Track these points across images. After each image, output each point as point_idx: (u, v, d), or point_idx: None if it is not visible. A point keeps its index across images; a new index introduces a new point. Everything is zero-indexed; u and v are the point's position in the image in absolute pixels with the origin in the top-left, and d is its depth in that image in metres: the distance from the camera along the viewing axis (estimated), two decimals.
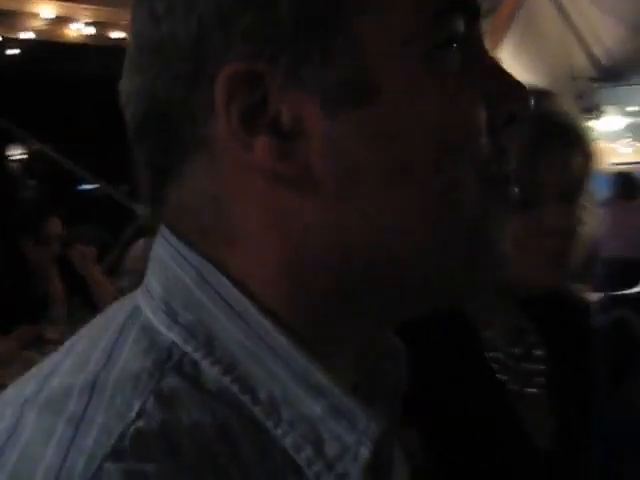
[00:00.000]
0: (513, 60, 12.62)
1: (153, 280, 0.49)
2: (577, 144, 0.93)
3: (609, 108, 10.21)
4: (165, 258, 0.49)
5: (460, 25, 0.46)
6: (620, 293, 3.31)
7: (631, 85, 9.15)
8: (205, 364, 0.45)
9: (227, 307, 0.46)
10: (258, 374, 0.45)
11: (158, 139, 0.48)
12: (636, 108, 10.41)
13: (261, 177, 0.45)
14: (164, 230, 0.50)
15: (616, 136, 14.43)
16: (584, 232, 0.98)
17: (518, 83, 0.49)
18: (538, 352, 0.98)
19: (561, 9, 9.18)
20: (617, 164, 15.36)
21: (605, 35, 8.53)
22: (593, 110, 9.81)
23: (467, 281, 0.49)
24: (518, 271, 0.89)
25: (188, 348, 0.46)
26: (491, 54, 0.50)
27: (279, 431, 0.45)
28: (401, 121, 0.45)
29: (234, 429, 0.44)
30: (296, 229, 0.46)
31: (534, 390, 0.93)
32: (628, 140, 15.31)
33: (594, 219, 1.03)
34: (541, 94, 0.98)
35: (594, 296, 3.44)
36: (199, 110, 0.45)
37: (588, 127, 0.99)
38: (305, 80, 0.44)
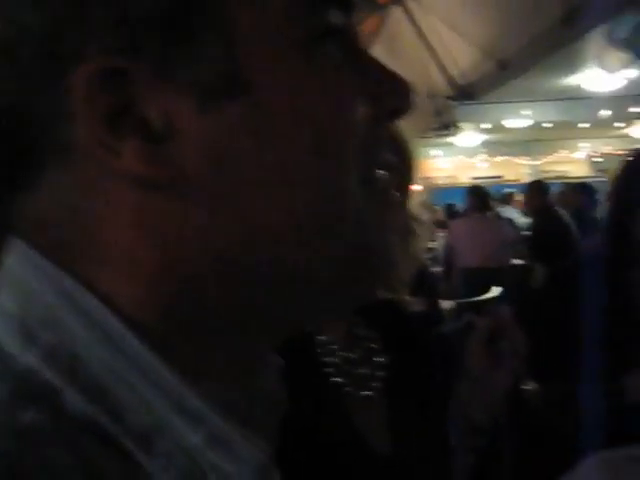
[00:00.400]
0: None
1: (5, 297, 0.43)
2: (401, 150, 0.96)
3: (466, 125, 10.75)
4: (21, 274, 0.43)
5: (335, 17, 0.44)
6: (471, 300, 3.47)
7: (485, 104, 9.65)
8: (68, 392, 0.39)
9: (93, 326, 0.41)
10: (129, 401, 0.40)
11: (6, 148, 0.42)
12: (490, 125, 11.02)
13: (130, 184, 0.41)
14: (19, 244, 0.43)
15: (473, 152, 15.27)
16: (414, 239, 1.01)
17: (399, 78, 0.47)
18: (379, 359, 0.99)
19: (420, 31, 9.57)
20: (475, 178, 16.13)
21: (460, 57, 8.95)
22: (450, 126, 10.28)
23: (354, 283, 0.46)
24: None
25: (48, 374, 0.39)
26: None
27: (155, 466, 0.40)
28: (276, 119, 0.42)
29: (103, 469, 0.38)
30: (171, 238, 0.42)
31: (370, 393, 0.94)
32: (484, 156, 16.23)
33: (425, 231, 1.05)
34: None
35: (449, 304, 3.59)
36: (55, 114, 0.40)
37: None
38: (174, 76, 0.40)
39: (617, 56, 5.03)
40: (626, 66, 5.13)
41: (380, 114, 0.47)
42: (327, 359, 0.93)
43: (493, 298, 3.50)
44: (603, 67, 5.31)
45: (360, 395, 0.94)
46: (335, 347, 0.94)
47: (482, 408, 0.97)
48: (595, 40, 5.44)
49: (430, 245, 7.74)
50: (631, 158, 1.70)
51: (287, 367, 0.87)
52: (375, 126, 0.46)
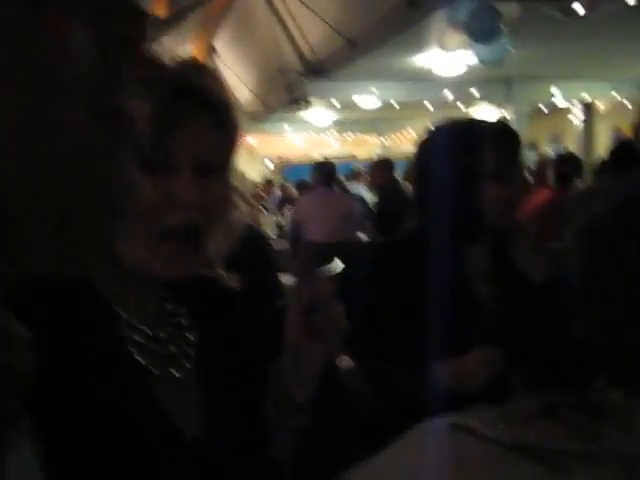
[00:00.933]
0: (227, 50, 12.87)
1: None
2: (219, 117, 0.90)
3: (317, 102, 10.83)
4: None
5: None
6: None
7: (335, 81, 9.76)
8: None
9: None
10: None
11: None
12: (340, 103, 11.16)
13: None
14: None
15: (324, 129, 15.47)
16: (232, 212, 0.95)
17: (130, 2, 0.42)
18: (189, 336, 0.94)
19: (271, 5, 9.50)
20: (326, 156, 16.34)
21: (310, 33, 8.99)
22: (301, 102, 10.33)
23: (80, 219, 0.41)
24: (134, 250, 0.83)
25: None
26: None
27: None
28: None
29: None
30: None
31: (179, 375, 0.89)
32: (335, 133, 16.49)
33: (246, 201, 1.00)
34: (201, 67, 0.94)
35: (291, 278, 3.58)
36: None
37: (234, 103, 0.96)
38: None
39: (456, 38, 5.23)
40: (464, 47, 5.35)
41: (110, 46, 0.42)
42: (132, 337, 0.86)
43: (336, 273, 3.53)
44: (443, 48, 5.51)
45: (168, 375, 0.88)
46: (142, 326, 0.87)
47: (301, 383, 0.94)
48: (437, 22, 5.63)
49: (280, 220, 7.79)
50: (427, 136, 1.76)
51: (84, 342, 0.81)
52: (107, 60, 0.41)
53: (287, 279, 3.71)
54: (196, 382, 0.91)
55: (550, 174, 5.29)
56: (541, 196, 4.98)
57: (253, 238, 2.29)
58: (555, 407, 1.33)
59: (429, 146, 1.75)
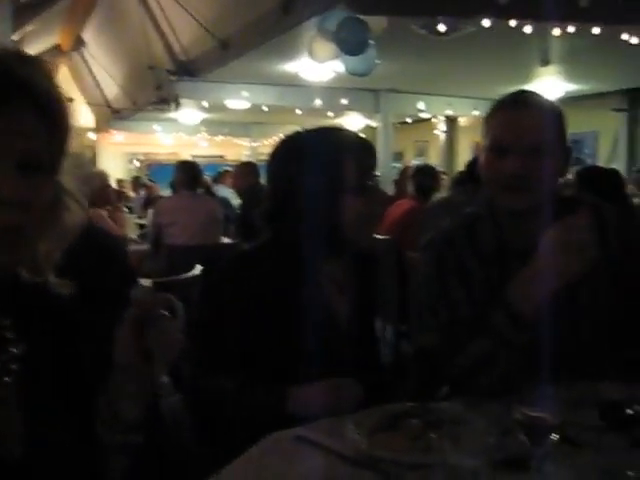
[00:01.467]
0: (96, 42, 12.42)
1: None
2: (47, 113, 0.84)
3: (187, 102, 10.66)
4: None
5: None
6: (168, 279, 3.41)
7: (205, 81, 9.64)
8: None
9: None
10: None
11: None
12: (210, 104, 11.04)
13: None
14: None
15: (194, 130, 15.28)
16: (64, 215, 0.89)
17: None
18: (13, 349, 0.87)
19: (143, 2, 9.26)
20: (196, 156, 16.11)
21: (182, 32, 8.83)
22: (171, 101, 10.13)
23: None
24: None
25: None
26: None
27: None
28: None
29: None
30: None
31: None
32: (204, 134, 16.32)
33: (80, 204, 0.94)
34: (27, 59, 0.87)
35: (146, 283, 3.49)
36: None
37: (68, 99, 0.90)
38: None
39: (325, 47, 5.30)
40: (333, 58, 5.42)
41: None
42: None
43: (193, 277, 3.46)
44: (312, 57, 5.56)
45: None
46: None
47: (132, 401, 0.90)
48: (308, 30, 5.67)
49: (141, 222, 7.56)
50: (282, 142, 1.74)
51: None
52: None
53: (147, 283, 3.61)
54: (18, 398, 0.85)
55: (410, 185, 5.45)
56: (401, 207, 5.13)
57: (100, 241, 2.18)
58: (397, 418, 1.35)
59: (286, 152, 1.72)
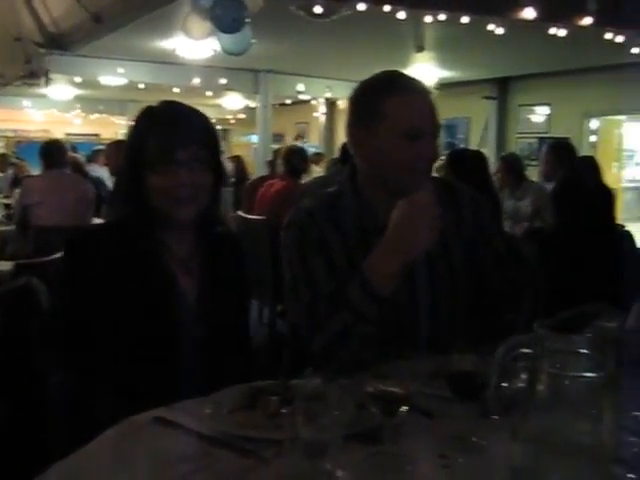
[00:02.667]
0: None
1: None
2: None
3: (59, 77, 10.20)
4: None
5: None
6: (31, 261, 3.29)
7: (78, 56, 9.25)
8: None
9: None
10: None
11: None
12: (81, 79, 10.62)
13: None
14: None
15: (67, 106, 14.65)
16: None
17: None
18: None
19: None
20: (69, 134, 15.45)
21: (53, 3, 8.41)
22: (41, 76, 9.66)
23: None
24: None
25: None
26: None
27: None
28: None
29: None
30: None
31: None
32: (77, 111, 15.70)
33: None
34: None
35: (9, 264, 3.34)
36: None
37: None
38: None
39: (200, 25, 5.20)
40: (208, 35, 5.33)
41: None
42: None
43: (54, 258, 3.33)
44: (186, 34, 5.45)
45: None
46: None
47: None
48: (181, 7, 5.55)
49: (7, 202, 7.19)
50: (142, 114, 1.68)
51: None
52: None
53: (9, 265, 3.45)
54: None
55: (280, 166, 5.53)
56: (273, 186, 5.18)
57: None
58: (255, 396, 1.35)
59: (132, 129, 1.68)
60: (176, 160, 1.57)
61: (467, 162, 4.25)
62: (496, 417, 1.19)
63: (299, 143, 11.56)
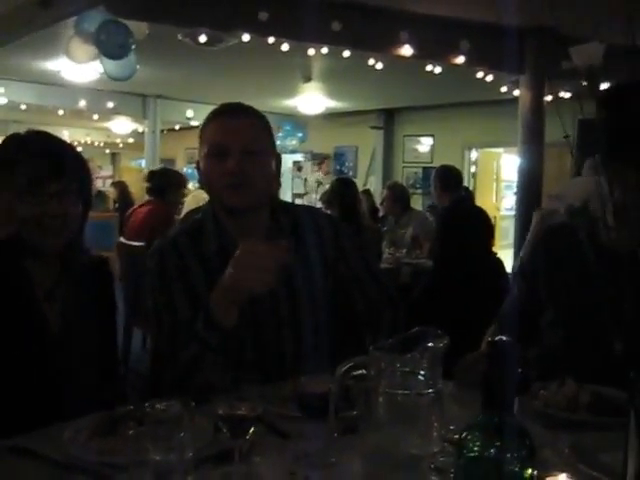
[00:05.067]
0: None
1: None
2: None
3: None
4: None
5: None
6: None
7: None
8: None
9: None
10: None
11: None
12: None
13: None
14: None
15: None
16: None
17: None
18: None
19: None
20: None
21: None
22: None
23: None
24: None
25: None
26: None
27: None
28: None
29: None
30: None
31: None
32: None
33: None
34: None
35: None
36: None
37: None
38: None
39: (84, 48, 5.14)
40: (92, 59, 5.28)
41: None
42: None
43: None
44: (70, 57, 5.37)
45: None
46: None
47: None
48: (66, 29, 5.47)
49: None
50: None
51: None
52: None
53: None
54: None
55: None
56: (141, 211, 5.25)
57: None
58: (115, 422, 1.38)
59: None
60: (47, 191, 1.58)
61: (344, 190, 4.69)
62: (337, 435, 1.27)
63: (187, 168, 11.51)
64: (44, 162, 1.59)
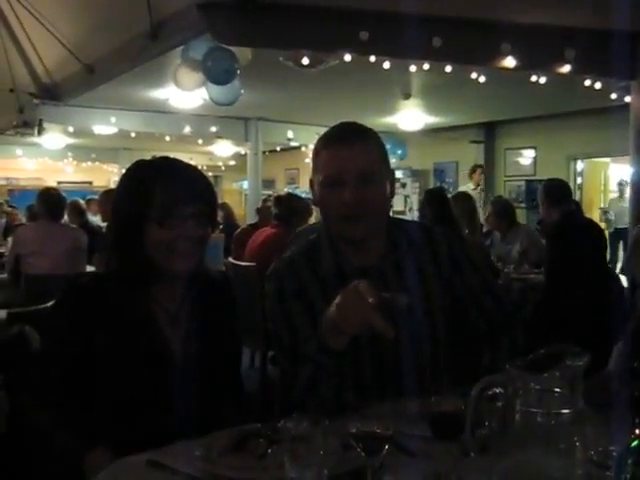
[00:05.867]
0: None
1: None
2: None
3: (52, 126, 10.32)
4: None
5: None
6: (24, 309, 3.32)
7: (71, 105, 9.39)
8: None
9: None
10: None
11: None
12: (74, 128, 10.75)
13: None
14: None
15: (59, 155, 14.78)
16: None
17: None
18: None
19: (4, 20, 8.92)
20: (61, 182, 15.49)
21: (46, 54, 8.57)
22: (34, 125, 9.78)
23: None
24: None
25: None
26: None
27: None
28: None
29: None
30: None
31: None
32: (69, 159, 15.81)
33: None
34: None
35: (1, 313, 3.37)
36: None
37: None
38: None
39: (191, 76, 5.33)
40: (199, 86, 5.46)
41: None
42: None
43: (47, 307, 3.36)
44: (178, 85, 5.58)
45: None
46: None
47: None
48: (173, 58, 5.68)
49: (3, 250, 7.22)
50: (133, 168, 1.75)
51: None
52: None
53: (2, 314, 3.47)
54: None
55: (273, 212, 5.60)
56: (264, 233, 5.26)
57: None
58: (244, 439, 1.40)
59: (118, 182, 1.76)
60: (182, 214, 1.62)
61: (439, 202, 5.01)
62: (474, 455, 1.24)
63: (288, 189, 11.68)
64: (179, 186, 1.64)
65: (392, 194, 1.85)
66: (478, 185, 10.91)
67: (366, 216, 1.73)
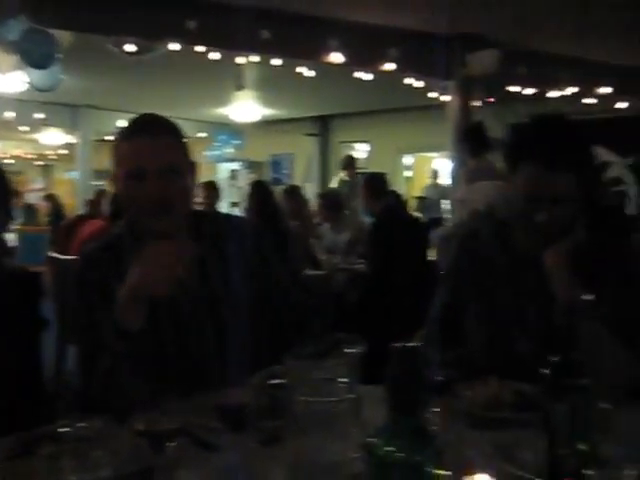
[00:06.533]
0: None
1: None
2: None
3: None
4: None
5: None
6: None
7: None
8: None
9: None
10: None
11: None
12: None
13: None
14: None
15: None
16: None
17: None
18: None
19: None
20: None
21: None
22: None
23: None
24: None
25: None
26: None
27: None
28: None
29: None
30: None
31: None
32: None
33: None
34: None
35: None
36: None
37: None
38: None
39: (6, 58, 5.01)
40: (16, 69, 5.15)
41: None
42: None
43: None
44: None
45: None
46: None
47: None
48: None
49: None
50: None
51: None
52: None
53: None
54: None
55: (105, 205, 5.41)
56: (92, 226, 5.07)
57: None
58: (31, 443, 1.34)
59: None
60: None
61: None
62: (260, 445, 1.27)
63: None
64: None
65: (194, 187, 1.85)
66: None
67: (170, 209, 1.71)
